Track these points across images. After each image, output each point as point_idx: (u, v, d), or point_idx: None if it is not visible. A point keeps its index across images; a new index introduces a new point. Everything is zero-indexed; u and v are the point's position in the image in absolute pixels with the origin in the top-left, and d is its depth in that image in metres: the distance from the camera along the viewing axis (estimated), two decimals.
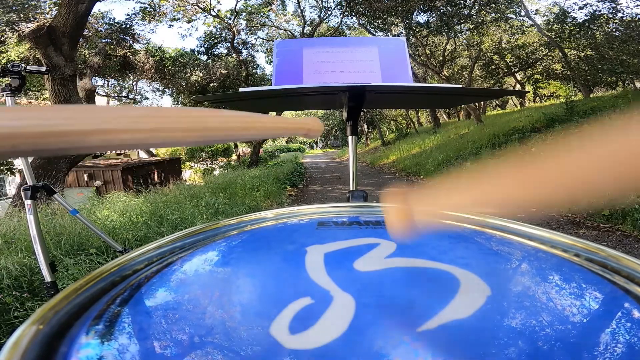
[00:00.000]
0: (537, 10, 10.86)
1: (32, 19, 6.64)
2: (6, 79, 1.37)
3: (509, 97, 14.83)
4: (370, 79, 0.88)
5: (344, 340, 0.21)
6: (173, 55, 10.43)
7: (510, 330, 0.21)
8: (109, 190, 7.07)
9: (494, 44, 11.56)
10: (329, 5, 10.22)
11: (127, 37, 9.23)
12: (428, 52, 11.40)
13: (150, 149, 14.83)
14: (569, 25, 9.01)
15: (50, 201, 3.05)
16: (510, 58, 12.03)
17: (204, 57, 10.79)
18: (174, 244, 0.41)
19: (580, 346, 0.20)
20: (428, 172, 7.00)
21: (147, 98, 13.21)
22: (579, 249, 0.36)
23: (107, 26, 8.82)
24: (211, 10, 9.64)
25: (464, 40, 11.71)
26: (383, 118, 18.91)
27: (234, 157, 13.87)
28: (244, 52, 11.19)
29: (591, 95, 9.73)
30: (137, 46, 9.75)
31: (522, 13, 10.02)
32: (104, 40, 8.47)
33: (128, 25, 9.03)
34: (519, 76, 13.35)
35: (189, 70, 10.52)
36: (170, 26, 10.71)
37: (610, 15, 8.29)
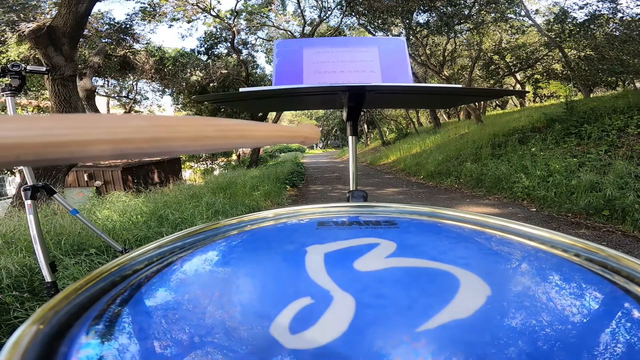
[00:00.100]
0: (537, 10, 10.87)
1: (32, 19, 6.64)
2: (6, 79, 1.37)
3: (509, 97, 14.84)
4: (370, 79, 0.88)
5: (344, 340, 0.21)
6: (173, 55, 10.44)
7: (510, 330, 0.21)
8: (109, 190, 7.07)
9: (494, 44, 11.56)
10: (329, 5, 10.23)
11: (127, 37, 9.23)
12: (428, 52, 11.40)
13: None
14: (569, 25, 9.01)
15: (50, 201, 3.06)
16: (510, 58, 12.03)
17: (204, 57, 10.80)
18: (174, 244, 0.41)
19: (580, 346, 0.20)
20: (428, 172, 7.00)
21: (147, 98, 13.22)
22: (579, 249, 0.36)
23: (107, 26, 8.82)
24: (211, 10, 9.64)
25: (464, 40, 11.71)
26: (383, 118, 18.91)
27: (234, 157, 13.88)
28: (244, 52, 11.20)
29: (591, 95, 9.73)
30: (137, 46, 9.76)
31: (522, 13, 10.03)
32: (104, 40, 8.47)
33: (128, 25, 9.03)
34: (519, 76, 13.35)
35: (189, 70, 10.52)
36: (170, 26, 10.72)
37: (610, 15, 8.29)
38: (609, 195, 3.27)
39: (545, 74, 12.30)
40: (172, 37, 18.89)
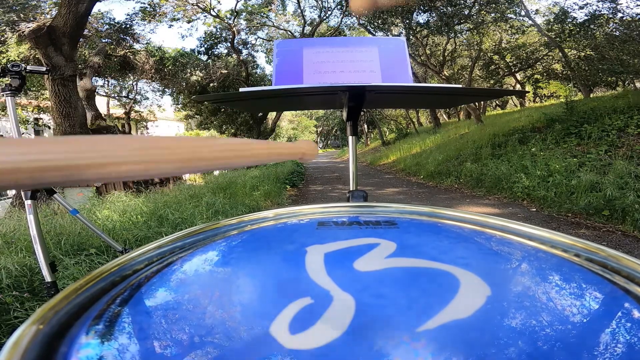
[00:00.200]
0: (537, 10, 10.86)
1: (32, 19, 6.64)
2: (6, 79, 1.37)
3: (509, 97, 14.84)
4: (370, 79, 0.88)
5: (344, 340, 0.21)
6: (173, 55, 10.43)
7: (510, 330, 0.21)
8: (109, 190, 7.07)
9: (494, 44, 11.56)
10: (329, 5, 10.22)
11: (127, 37, 9.23)
12: (428, 52, 11.40)
13: None
14: (569, 25, 9.00)
15: (50, 201, 3.06)
16: (510, 58, 12.03)
17: (204, 57, 10.80)
18: (174, 244, 0.41)
19: (580, 346, 0.20)
20: (428, 172, 7.00)
21: (147, 98, 13.20)
22: (579, 249, 0.36)
23: (107, 26, 8.82)
24: (211, 10, 9.64)
25: (464, 40, 11.71)
26: (383, 118, 18.90)
27: None
28: (244, 52, 11.20)
29: (591, 95, 9.73)
30: (137, 46, 9.76)
31: (522, 13, 10.02)
32: (104, 40, 8.47)
33: (128, 25, 9.03)
34: (519, 76, 13.35)
35: (189, 70, 10.52)
36: (170, 26, 10.72)
37: (610, 15, 8.29)
38: (609, 195, 3.27)
39: (545, 74, 12.30)
40: (172, 37, 18.91)
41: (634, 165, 3.70)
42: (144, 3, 8.94)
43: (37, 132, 12.70)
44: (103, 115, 5.60)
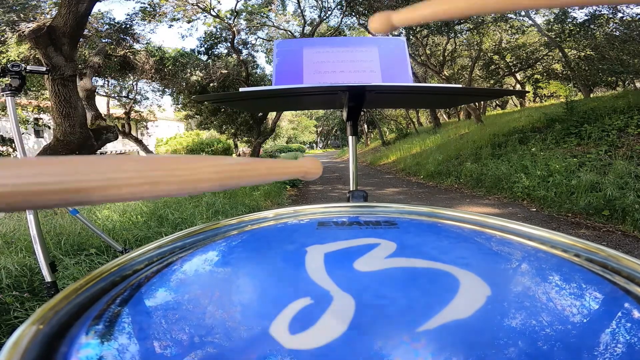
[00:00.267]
0: (537, 10, 10.85)
1: (32, 19, 6.64)
2: (6, 79, 1.37)
3: (509, 97, 14.83)
4: (371, 79, 0.88)
5: (344, 340, 0.21)
6: (173, 55, 10.43)
7: (510, 330, 0.21)
8: None
9: (494, 44, 11.56)
10: (329, 5, 10.22)
11: (127, 37, 9.23)
12: (428, 52, 11.39)
13: (150, 149, 14.84)
14: (569, 25, 9.01)
15: None
16: (510, 58, 12.03)
17: (204, 57, 10.79)
18: (174, 244, 0.41)
19: (580, 346, 0.20)
20: (428, 172, 7.00)
21: (147, 98, 13.19)
22: (579, 249, 0.36)
23: (107, 26, 8.82)
24: (211, 10, 9.64)
25: (464, 40, 11.70)
26: (383, 118, 18.90)
27: (234, 156, 13.88)
28: (244, 52, 11.20)
29: (591, 95, 9.73)
30: (137, 46, 9.75)
31: (522, 13, 10.02)
32: (104, 40, 8.47)
33: (128, 25, 9.03)
34: (519, 76, 13.35)
35: (189, 70, 10.52)
36: (170, 26, 10.71)
37: (610, 15, 8.29)
38: (609, 195, 3.27)
39: (545, 74, 12.30)
40: (172, 37, 18.90)
41: (634, 165, 3.70)
42: (144, 3, 8.94)
43: (37, 132, 12.70)
44: (103, 115, 5.60)
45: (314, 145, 40.83)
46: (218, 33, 10.49)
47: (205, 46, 10.64)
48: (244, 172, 0.21)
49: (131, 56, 9.53)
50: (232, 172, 0.20)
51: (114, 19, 8.89)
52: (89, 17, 4.91)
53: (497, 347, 0.20)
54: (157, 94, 12.82)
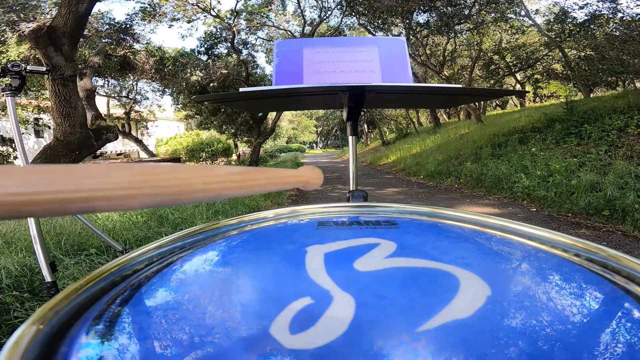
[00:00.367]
0: (537, 10, 10.86)
1: (32, 19, 6.64)
2: (6, 79, 1.37)
3: (509, 97, 14.83)
4: (371, 79, 0.88)
5: (344, 340, 0.21)
6: (173, 55, 10.43)
7: (510, 330, 0.21)
8: None
9: (494, 44, 11.55)
10: (329, 5, 10.22)
11: (127, 37, 9.22)
12: (428, 52, 11.39)
13: (150, 149, 14.83)
14: (569, 25, 9.00)
15: None
16: (510, 58, 12.03)
17: (204, 57, 10.79)
18: (174, 244, 0.41)
19: (580, 346, 0.20)
20: (428, 172, 7.00)
21: (147, 98, 13.19)
22: (579, 249, 0.36)
23: (107, 26, 8.82)
24: (211, 10, 9.63)
25: (464, 40, 11.71)
26: (383, 118, 18.90)
27: (234, 157, 13.88)
28: (244, 52, 11.19)
29: (591, 95, 9.73)
30: (137, 46, 9.75)
31: (522, 13, 10.02)
32: (104, 40, 8.47)
33: (128, 25, 9.03)
34: (519, 76, 13.35)
35: (189, 70, 10.52)
36: (170, 26, 10.71)
37: (611, 15, 8.29)
38: (609, 195, 3.26)
39: (545, 74, 12.30)
40: (172, 37, 18.92)
41: (634, 165, 3.70)
42: (144, 3, 8.93)
43: (37, 132, 12.70)
44: (103, 115, 5.60)
45: (314, 145, 40.81)
46: (218, 33, 10.48)
47: (205, 46, 10.64)
48: (243, 182, 0.21)
49: (131, 56, 9.53)
50: (231, 182, 0.20)
51: (114, 19, 8.89)
52: (89, 17, 4.91)
53: (497, 347, 0.20)
54: (157, 94, 12.82)
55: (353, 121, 0.90)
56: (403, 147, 11.21)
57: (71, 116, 3.86)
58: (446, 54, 11.80)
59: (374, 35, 10.17)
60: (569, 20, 8.98)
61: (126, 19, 9.01)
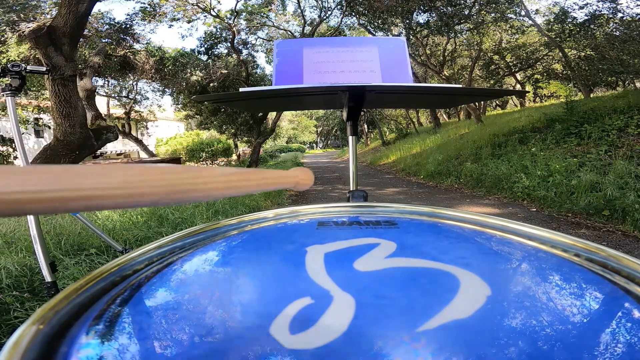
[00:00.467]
0: (537, 10, 10.87)
1: (32, 19, 6.65)
2: (6, 79, 1.37)
3: (509, 97, 14.83)
4: (371, 79, 0.88)
5: (344, 340, 0.21)
6: (173, 55, 10.43)
7: (510, 330, 0.21)
8: None
9: (494, 44, 11.56)
10: (329, 5, 10.22)
11: (127, 37, 9.23)
12: (428, 52, 11.39)
13: (150, 149, 14.82)
14: (569, 25, 9.01)
15: None
16: (511, 58, 12.03)
17: (204, 57, 10.79)
18: (174, 244, 0.41)
19: (580, 346, 0.20)
20: (428, 172, 7.00)
21: (147, 98, 13.20)
22: (579, 249, 0.36)
23: (107, 26, 8.82)
24: (211, 10, 9.64)
25: (464, 40, 11.71)
26: (383, 118, 18.90)
27: (234, 157, 13.88)
28: (244, 52, 11.20)
29: (591, 95, 9.73)
30: (137, 46, 9.76)
31: (522, 13, 10.02)
32: (104, 40, 8.47)
33: (128, 25, 9.03)
34: (519, 76, 13.35)
35: (189, 70, 10.52)
36: (170, 26, 10.72)
37: (611, 15, 8.29)
38: (609, 195, 3.26)
39: (545, 74, 12.30)
40: (172, 37, 18.95)
41: (634, 165, 3.70)
42: (144, 3, 8.94)
43: (37, 132, 12.70)
44: (103, 115, 5.61)
45: (314, 145, 40.80)
46: (218, 33, 10.49)
47: (205, 46, 10.64)
48: (238, 182, 0.21)
49: (131, 56, 9.54)
50: (222, 182, 0.20)
51: (114, 19, 8.90)
52: (89, 17, 4.91)
53: (497, 347, 0.20)
54: (157, 94, 12.83)
55: (353, 121, 0.90)
56: (403, 147, 11.21)
57: (71, 116, 3.87)
58: (446, 54, 11.80)
59: (374, 35, 10.17)
60: (569, 20, 8.98)
61: (126, 19, 9.02)
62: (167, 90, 11.93)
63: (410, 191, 5.62)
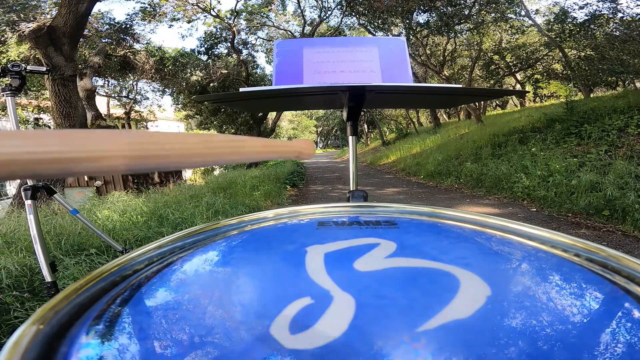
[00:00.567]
0: (537, 10, 10.87)
1: (32, 19, 6.64)
2: (6, 79, 1.37)
3: (509, 97, 14.83)
4: (371, 79, 0.88)
5: (344, 340, 0.21)
6: (173, 55, 10.43)
7: (510, 330, 0.21)
8: (109, 190, 7.08)
9: (494, 44, 11.55)
10: (329, 5, 10.22)
11: (127, 37, 9.23)
12: (428, 52, 11.39)
13: None
14: (569, 25, 9.00)
15: (50, 201, 3.06)
16: (511, 58, 12.03)
17: (204, 57, 10.80)
18: (174, 244, 0.41)
19: (580, 346, 0.20)
20: (428, 172, 7.00)
21: (147, 98, 13.20)
22: (579, 249, 0.35)
23: (107, 26, 8.82)
24: (211, 10, 9.64)
25: (464, 40, 11.71)
26: (383, 118, 18.90)
27: None
28: (244, 52, 11.20)
29: (591, 95, 9.73)
30: (137, 46, 9.76)
31: (522, 13, 10.02)
32: (104, 40, 8.47)
33: (128, 25, 9.04)
34: (519, 76, 13.34)
35: (189, 70, 10.53)
36: (171, 26, 10.72)
37: (611, 15, 8.29)
38: (609, 195, 3.26)
39: (545, 74, 12.30)
40: (172, 37, 18.96)
41: (634, 165, 3.70)
42: (144, 3, 8.94)
43: None
44: (103, 115, 5.61)
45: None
46: (218, 33, 10.49)
47: (205, 46, 10.64)
48: (238, 148, 0.22)
49: (131, 56, 9.54)
50: (226, 148, 0.21)
51: (114, 19, 8.90)
52: (89, 17, 4.91)
53: (497, 347, 0.20)
54: (157, 94, 12.84)
55: (353, 121, 0.90)
56: (403, 147, 11.21)
57: (71, 116, 3.86)
58: (446, 54, 11.80)
59: (374, 35, 10.17)
60: (569, 20, 8.98)
61: (126, 19, 9.02)
62: (167, 90, 11.93)
63: (410, 191, 5.62)
